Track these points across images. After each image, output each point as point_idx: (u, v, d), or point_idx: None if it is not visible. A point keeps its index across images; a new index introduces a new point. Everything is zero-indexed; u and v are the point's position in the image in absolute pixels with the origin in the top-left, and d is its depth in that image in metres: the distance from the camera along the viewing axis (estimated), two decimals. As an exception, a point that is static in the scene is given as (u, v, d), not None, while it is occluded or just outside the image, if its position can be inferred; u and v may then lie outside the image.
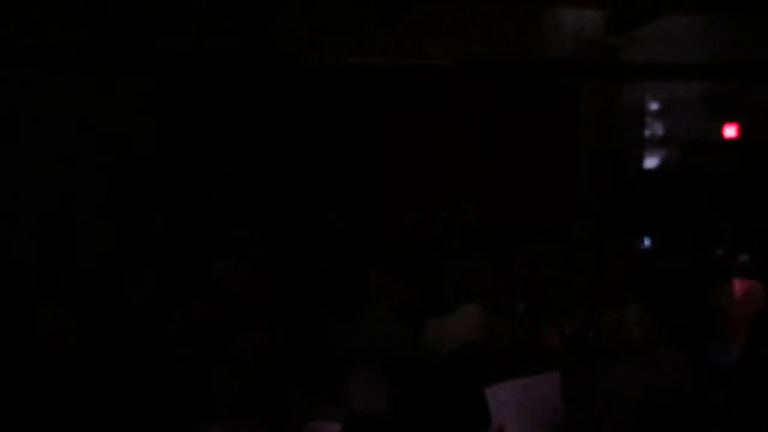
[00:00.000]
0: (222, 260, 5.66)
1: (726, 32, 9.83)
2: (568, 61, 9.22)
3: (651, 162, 10.01)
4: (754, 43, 9.72)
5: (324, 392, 2.54)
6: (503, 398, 2.28)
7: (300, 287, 4.20)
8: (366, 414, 2.48)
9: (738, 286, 4.39)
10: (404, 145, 8.69)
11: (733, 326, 4.05)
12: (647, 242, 7.87)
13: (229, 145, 8.11)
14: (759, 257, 5.31)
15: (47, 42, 7.52)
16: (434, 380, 2.62)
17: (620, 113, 9.81)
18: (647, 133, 9.98)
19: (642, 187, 9.37)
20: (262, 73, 8.23)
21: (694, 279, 4.70)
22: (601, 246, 7.11)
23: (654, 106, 9.96)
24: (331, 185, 8.44)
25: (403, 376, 2.84)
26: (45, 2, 7.42)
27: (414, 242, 7.76)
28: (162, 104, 7.96)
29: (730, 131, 10.12)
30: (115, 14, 7.62)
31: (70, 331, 4.07)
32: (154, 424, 2.67)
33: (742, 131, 10.08)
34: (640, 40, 8.74)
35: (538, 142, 9.17)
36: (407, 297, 4.50)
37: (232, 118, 8.13)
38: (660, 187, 9.24)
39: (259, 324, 3.52)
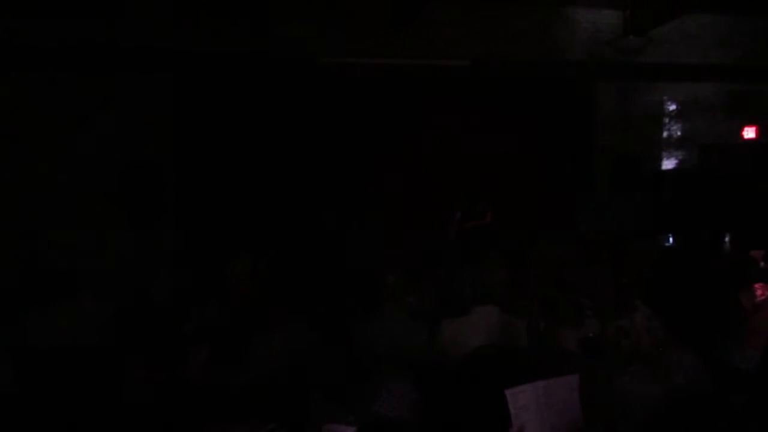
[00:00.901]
0: (239, 260, 5.66)
1: (746, 34, 9.77)
2: (586, 62, 9.18)
3: (669, 163, 9.95)
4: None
5: (343, 394, 2.52)
6: (523, 400, 2.26)
7: (317, 288, 4.20)
8: (382, 417, 2.47)
9: (759, 290, 4.34)
10: (421, 146, 8.69)
11: (755, 331, 4.00)
12: (671, 240, 7.81)
13: (246, 147, 8.14)
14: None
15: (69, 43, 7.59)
16: (452, 381, 2.60)
17: (637, 114, 9.77)
18: (665, 134, 9.93)
19: (660, 189, 9.31)
20: (278, 75, 8.25)
21: (714, 282, 4.65)
22: (617, 248, 7.07)
23: (672, 107, 9.90)
24: (348, 186, 8.45)
25: (421, 378, 2.83)
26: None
27: (430, 243, 7.74)
28: (178, 106, 8.00)
29: (750, 133, 10.05)
30: (130, 14, 7.67)
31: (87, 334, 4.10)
32: (173, 424, 2.67)
33: (763, 133, 10.01)
34: (658, 40, 8.68)
35: (555, 142, 9.14)
36: (423, 298, 4.48)
37: (248, 119, 8.16)
38: (679, 188, 9.17)
39: (278, 325, 3.52)
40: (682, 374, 2.88)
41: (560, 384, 2.39)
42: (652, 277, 4.78)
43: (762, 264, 5.57)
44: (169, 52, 7.84)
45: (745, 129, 10.15)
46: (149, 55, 7.81)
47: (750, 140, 10.15)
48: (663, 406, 2.31)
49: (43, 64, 7.59)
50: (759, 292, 4.13)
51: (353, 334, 3.12)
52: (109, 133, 7.75)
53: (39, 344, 3.84)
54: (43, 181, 7.54)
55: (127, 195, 7.67)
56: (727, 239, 6.90)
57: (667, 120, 9.95)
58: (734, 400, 2.72)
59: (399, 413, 2.54)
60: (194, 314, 4.05)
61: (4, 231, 7.32)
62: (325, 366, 2.68)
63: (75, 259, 6.85)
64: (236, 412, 2.59)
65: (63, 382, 3.39)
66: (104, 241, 7.52)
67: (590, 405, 2.40)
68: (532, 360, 2.95)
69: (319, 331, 3.37)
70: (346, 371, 2.59)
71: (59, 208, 7.56)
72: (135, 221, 7.71)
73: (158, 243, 7.62)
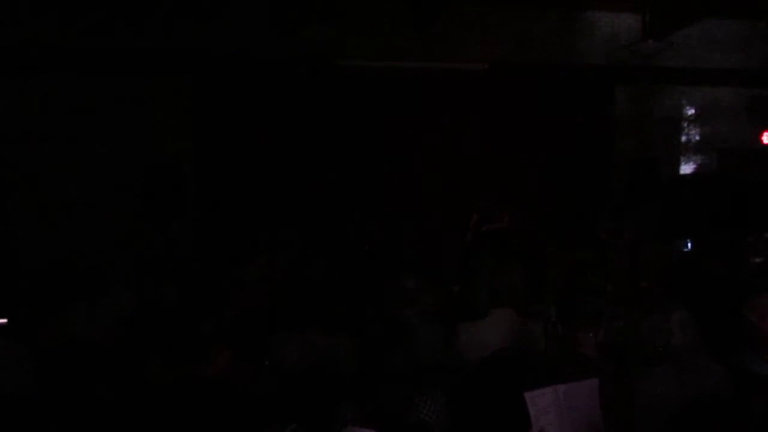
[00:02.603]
0: (258, 261, 5.70)
1: (766, 38, 9.69)
2: (605, 66, 9.15)
3: (687, 167, 9.89)
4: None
5: (369, 398, 2.52)
6: (543, 404, 2.26)
7: (336, 290, 4.22)
8: (404, 420, 2.47)
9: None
10: (437, 148, 8.69)
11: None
12: (689, 245, 7.77)
13: (266, 147, 8.19)
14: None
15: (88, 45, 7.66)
16: (471, 384, 2.60)
17: (656, 118, 9.71)
18: (684, 138, 9.86)
19: (678, 193, 9.25)
20: (298, 77, 8.30)
21: (730, 286, 4.62)
22: (635, 251, 7.04)
23: (691, 111, 9.83)
24: (365, 187, 8.47)
25: (441, 381, 2.83)
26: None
27: (447, 247, 7.75)
28: (199, 106, 8.06)
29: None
30: (157, 17, 7.74)
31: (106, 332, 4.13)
32: (192, 424, 2.69)
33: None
34: (678, 44, 8.63)
35: (574, 146, 9.11)
36: (440, 301, 4.48)
37: (269, 120, 8.21)
38: (697, 193, 9.10)
39: (297, 326, 3.53)
40: (710, 380, 2.84)
41: (581, 387, 2.39)
42: (671, 281, 4.75)
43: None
44: (190, 54, 7.90)
45: (765, 134, 10.07)
46: (171, 57, 7.88)
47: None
48: (684, 410, 2.29)
49: (69, 66, 7.67)
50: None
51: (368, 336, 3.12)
52: (132, 133, 7.83)
53: (63, 342, 3.87)
54: (68, 181, 7.62)
55: (149, 194, 7.72)
56: (750, 243, 6.85)
57: (686, 124, 9.89)
58: (754, 407, 2.70)
59: (421, 416, 2.54)
60: (213, 314, 4.07)
61: (29, 230, 7.41)
62: (355, 370, 2.68)
63: (99, 257, 6.92)
64: (256, 412, 2.60)
65: (82, 379, 3.42)
66: (127, 240, 7.58)
67: (611, 409, 2.39)
68: (550, 363, 2.95)
69: (344, 334, 3.38)
70: (378, 376, 2.58)
71: (84, 207, 7.64)
72: (156, 220, 7.76)
73: (179, 242, 7.67)
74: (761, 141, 10.06)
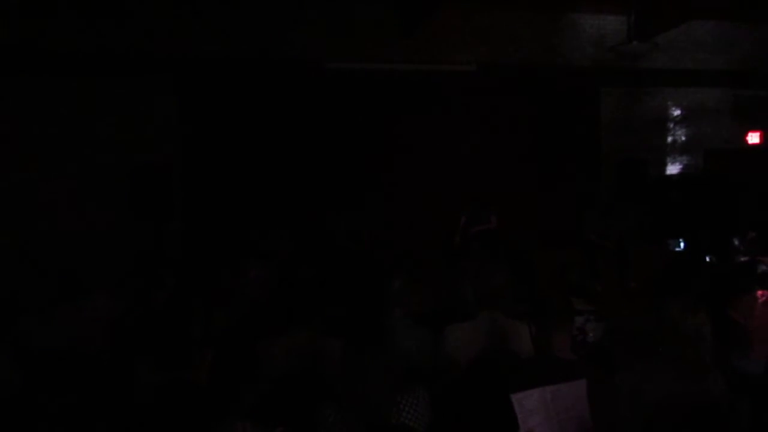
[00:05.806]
0: (247, 265, 5.67)
1: (751, 40, 9.78)
2: (591, 67, 9.20)
3: (674, 168, 9.95)
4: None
5: (356, 401, 2.51)
6: (531, 405, 2.26)
7: (325, 293, 4.20)
8: (390, 424, 2.46)
9: (762, 296, 4.32)
10: (426, 150, 8.70)
11: (758, 335, 4.00)
12: (682, 245, 7.81)
13: (254, 149, 8.18)
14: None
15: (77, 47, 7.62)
16: (459, 386, 2.60)
17: (643, 119, 9.78)
18: (670, 138, 9.93)
19: (665, 193, 9.30)
20: (287, 79, 8.29)
21: (717, 285, 4.64)
22: (623, 252, 7.06)
23: (677, 112, 9.91)
24: (353, 189, 8.46)
25: (429, 383, 2.82)
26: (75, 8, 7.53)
27: (435, 248, 7.75)
28: (188, 108, 8.03)
29: (754, 138, 10.06)
30: (145, 21, 7.71)
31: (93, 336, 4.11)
32: (179, 426, 2.67)
33: (767, 138, 10.03)
34: (663, 46, 8.69)
35: (561, 147, 9.15)
36: (427, 303, 4.47)
37: (257, 122, 8.20)
38: (683, 193, 9.17)
39: (285, 329, 3.51)
40: (701, 379, 2.82)
41: (568, 389, 2.39)
42: (660, 280, 4.77)
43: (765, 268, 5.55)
44: (179, 56, 7.87)
45: (750, 134, 10.16)
46: (160, 59, 7.85)
47: (754, 145, 10.16)
48: (671, 407, 2.29)
49: (58, 68, 7.62)
50: (761, 298, 4.13)
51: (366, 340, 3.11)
52: (119, 135, 7.78)
53: (48, 345, 3.84)
54: (54, 183, 7.57)
55: (137, 196, 7.68)
56: (736, 242, 6.90)
57: (671, 125, 9.96)
58: (741, 405, 2.71)
59: (409, 420, 2.53)
60: (202, 317, 4.05)
61: (17, 233, 7.35)
62: (339, 372, 2.67)
63: (86, 259, 6.87)
64: (243, 414, 2.59)
65: (70, 383, 3.39)
66: (114, 242, 7.54)
67: (597, 409, 2.39)
68: (537, 365, 2.95)
69: (332, 337, 3.37)
70: (361, 378, 2.57)
71: (71, 209, 7.59)
72: (144, 222, 7.72)
73: (166, 244, 7.63)
74: (746, 141, 10.15)
